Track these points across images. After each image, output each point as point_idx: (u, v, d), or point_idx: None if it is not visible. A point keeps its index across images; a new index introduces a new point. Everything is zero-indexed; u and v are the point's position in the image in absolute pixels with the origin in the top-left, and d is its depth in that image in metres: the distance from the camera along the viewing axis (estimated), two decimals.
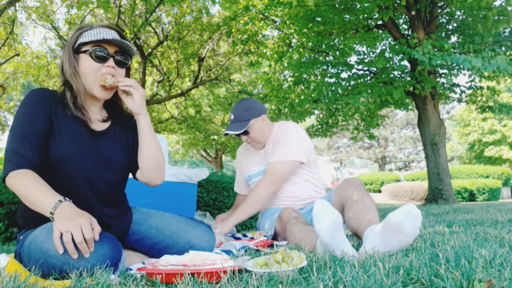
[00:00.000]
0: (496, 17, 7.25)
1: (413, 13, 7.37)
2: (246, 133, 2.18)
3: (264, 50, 9.05)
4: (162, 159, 1.48)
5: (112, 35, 1.33)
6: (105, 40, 1.32)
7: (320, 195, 2.23)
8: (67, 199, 1.16)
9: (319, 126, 10.68)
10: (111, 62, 1.34)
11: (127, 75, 1.48)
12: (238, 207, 2.09)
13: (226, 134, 2.19)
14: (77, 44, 1.34)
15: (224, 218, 2.18)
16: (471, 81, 8.39)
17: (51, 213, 1.11)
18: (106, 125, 1.44)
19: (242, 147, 2.48)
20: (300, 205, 2.20)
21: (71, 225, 1.04)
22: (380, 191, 18.56)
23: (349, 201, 1.70)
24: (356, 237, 1.69)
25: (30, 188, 1.16)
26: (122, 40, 1.34)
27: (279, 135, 2.19)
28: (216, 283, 0.98)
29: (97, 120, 1.42)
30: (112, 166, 1.40)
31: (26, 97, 1.31)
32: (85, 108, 1.38)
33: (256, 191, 2.05)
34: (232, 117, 2.20)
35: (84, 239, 1.04)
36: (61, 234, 1.04)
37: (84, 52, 1.33)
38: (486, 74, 7.27)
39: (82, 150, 1.32)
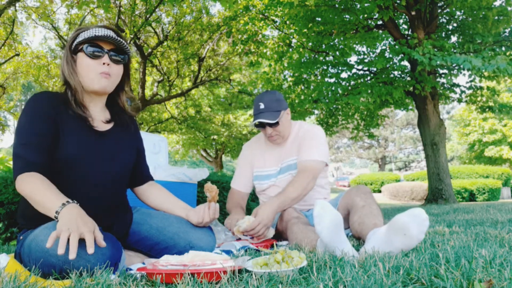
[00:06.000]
0: (496, 17, 7.24)
1: (413, 13, 7.37)
2: (275, 124, 2.08)
3: (264, 50, 9.04)
4: None
5: (105, 32, 1.35)
6: (98, 38, 1.34)
7: (327, 199, 2.21)
8: (74, 201, 1.17)
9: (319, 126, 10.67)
10: (106, 58, 1.36)
11: (126, 73, 1.49)
12: (279, 194, 1.90)
13: (259, 124, 2.07)
14: (74, 44, 1.37)
15: (232, 220, 1.99)
16: (471, 81, 8.39)
17: (56, 212, 1.11)
18: (109, 126, 1.45)
19: (253, 143, 2.34)
20: (306, 208, 2.17)
21: (73, 228, 1.04)
22: (380, 191, 18.57)
23: (355, 206, 1.69)
24: (358, 240, 1.68)
25: (36, 190, 1.17)
26: (114, 37, 1.36)
27: (305, 135, 2.12)
28: (216, 283, 0.98)
29: (100, 121, 1.43)
30: (116, 166, 1.41)
31: (29, 101, 1.32)
32: (85, 106, 1.39)
33: (301, 186, 1.91)
34: (262, 106, 2.06)
35: (85, 249, 1.03)
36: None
37: (80, 50, 1.36)
38: (486, 74, 7.27)
39: (86, 150, 1.33)
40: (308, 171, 1.98)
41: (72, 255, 0.99)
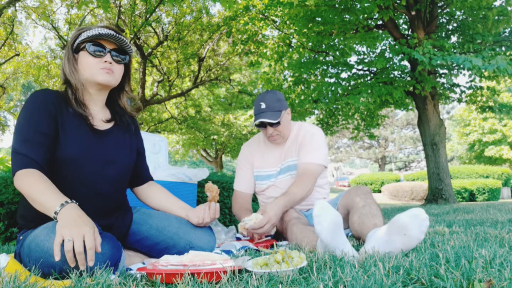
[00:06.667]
0: (496, 17, 7.25)
1: (413, 13, 7.37)
2: (277, 124, 2.07)
3: (264, 50, 9.04)
4: None
5: (107, 31, 1.36)
6: (101, 36, 1.35)
7: (326, 199, 2.21)
8: (73, 201, 1.16)
9: (319, 126, 10.68)
10: (108, 57, 1.37)
11: (127, 73, 1.49)
12: (285, 194, 1.87)
13: (260, 124, 2.06)
14: (76, 43, 1.37)
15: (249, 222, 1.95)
16: (471, 81, 8.39)
17: (55, 212, 1.11)
18: (110, 125, 1.45)
19: (252, 144, 2.33)
20: (306, 208, 2.17)
21: (74, 233, 1.03)
22: (380, 191, 18.56)
23: (355, 206, 1.69)
24: (358, 240, 1.68)
25: (35, 188, 1.16)
26: (117, 35, 1.37)
27: (306, 137, 2.12)
28: (216, 283, 0.98)
29: (101, 120, 1.43)
30: (116, 166, 1.41)
31: (29, 98, 1.32)
32: (85, 104, 1.39)
33: (306, 188, 1.92)
34: (263, 106, 2.05)
35: (85, 248, 1.04)
36: (63, 241, 1.03)
37: (82, 49, 1.36)
38: (486, 74, 7.27)
39: (86, 150, 1.33)
40: (310, 173, 1.99)
41: (83, 267, 1.03)
